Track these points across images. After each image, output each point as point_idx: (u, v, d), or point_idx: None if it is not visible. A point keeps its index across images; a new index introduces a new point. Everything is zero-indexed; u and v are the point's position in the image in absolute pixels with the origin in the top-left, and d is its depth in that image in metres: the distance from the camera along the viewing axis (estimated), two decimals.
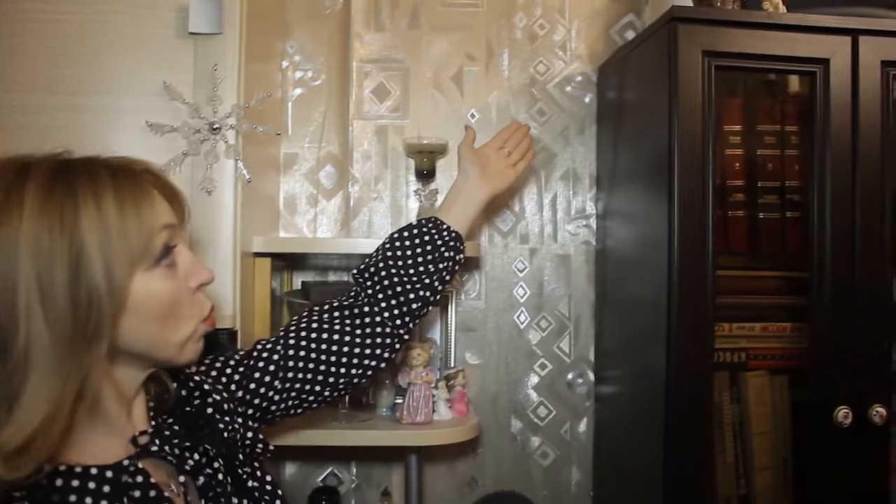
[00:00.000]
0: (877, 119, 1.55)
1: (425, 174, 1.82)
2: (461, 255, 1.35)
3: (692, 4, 1.64)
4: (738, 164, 1.65)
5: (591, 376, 2.00)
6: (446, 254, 1.31)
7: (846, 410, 1.52)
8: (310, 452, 1.93)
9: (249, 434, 1.03)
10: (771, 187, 1.65)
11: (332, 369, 1.21)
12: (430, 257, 1.29)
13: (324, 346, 1.20)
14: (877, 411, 1.52)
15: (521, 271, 2.00)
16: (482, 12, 1.99)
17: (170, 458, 0.90)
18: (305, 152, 1.96)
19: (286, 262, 1.88)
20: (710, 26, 1.52)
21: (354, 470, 1.97)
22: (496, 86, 2.00)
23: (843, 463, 1.55)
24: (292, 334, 1.20)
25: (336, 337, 1.22)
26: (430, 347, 1.71)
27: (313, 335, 1.21)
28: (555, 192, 2.01)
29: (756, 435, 1.63)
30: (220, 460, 0.95)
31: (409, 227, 1.33)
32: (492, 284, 1.99)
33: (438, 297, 1.33)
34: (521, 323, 2.00)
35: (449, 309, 1.94)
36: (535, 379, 2.00)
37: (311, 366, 1.19)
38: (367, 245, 1.59)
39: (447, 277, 1.32)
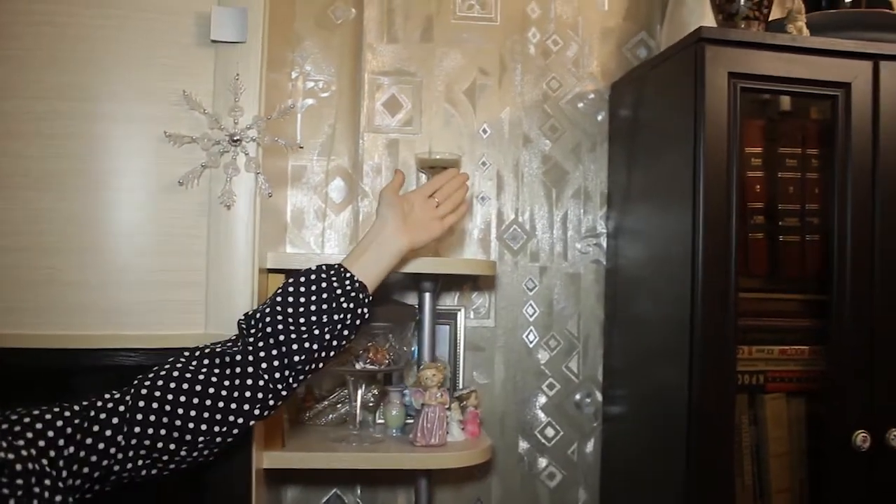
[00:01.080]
0: None
1: None
2: (364, 310, 1.22)
3: (716, 25, 1.63)
4: (758, 187, 1.65)
5: (599, 396, 1.98)
6: (345, 305, 1.18)
7: (864, 434, 1.52)
8: (312, 475, 1.88)
9: (58, 498, 0.90)
10: (791, 210, 1.65)
11: (191, 425, 1.05)
12: (324, 307, 1.17)
13: (182, 398, 1.05)
14: (895, 435, 1.52)
15: (530, 290, 1.98)
16: (496, 27, 1.97)
17: None
18: (314, 165, 1.92)
19: None
20: (737, 48, 1.52)
21: (359, 493, 1.92)
22: (509, 101, 1.98)
23: (860, 487, 1.54)
24: (147, 382, 1.06)
25: (199, 388, 1.06)
26: (445, 368, 1.67)
27: (172, 384, 1.05)
28: (566, 209, 1.99)
29: (773, 457, 1.63)
30: None
31: (308, 271, 1.21)
32: (501, 303, 1.97)
33: (332, 354, 1.19)
34: (531, 342, 1.97)
35: (458, 328, 1.91)
36: (542, 399, 1.98)
37: (164, 419, 1.03)
38: None
39: (345, 332, 1.19)
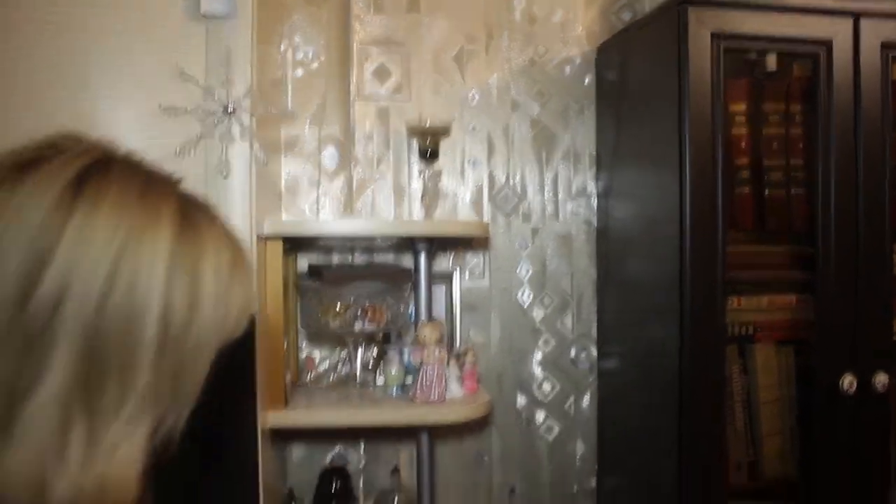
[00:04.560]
0: (877, 98, 1.60)
1: (428, 155, 1.82)
2: None
3: None
4: (744, 143, 1.68)
5: (594, 352, 2.03)
6: None
7: (851, 378, 1.57)
8: (316, 434, 1.94)
9: None
10: (776, 165, 1.69)
11: None
12: None
13: None
14: (879, 379, 1.58)
15: (524, 250, 2.02)
16: None
17: None
18: (307, 134, 1.95)
19: (289, 244, 1.87)
20: (719, 9, 1.54)
21: (363, 450, 1.98)
22: (496, 67, 2.00)
23: (846, 430, 1.60)
24: None
25: None
26: (442, 326, 1.72)
27: None
28: (555, 171, 2.02)
29: (764, 404, 1.68)
30: None
31: None
32: (495, 263, 2.01)
33: None
34: (525, 301, 2.02)
35: (453, 288, 1.96)
36: (539, 355, 2.03)
37: None
38: (380, 225, 1.59)
39: None
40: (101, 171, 0.66)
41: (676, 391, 1.57)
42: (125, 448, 0.64)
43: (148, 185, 0.68)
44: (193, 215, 0.69)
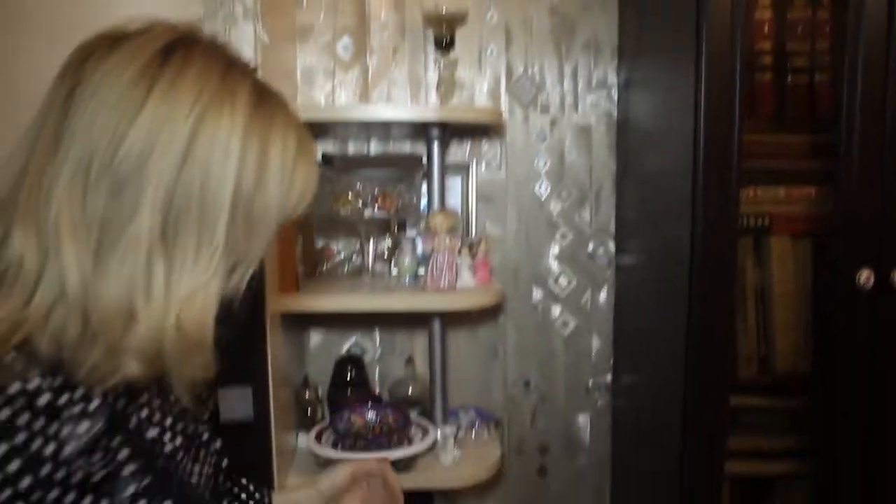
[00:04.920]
0: None
1: (445, 45, 1.78)
2: None
3: None
4: (766, 27, 1.61)
5: (612, 246, 2.01)
6: None
7: (869, 272, 1.53)
8: (334, 321, 1.97)
9: None
10: (800, 50, 1.61)
11: None
12: None
13: None
14: None
15: (542, 142, 1.98)
16: None
17: None
18: (321, 24, 1.92)
19: None
20: None
21: (378, 339, 2.01)
22: None
23: (863, 326, 1.57)
24: None
25: None
26: (454, 215, 1.71)
27: None
28: (575, 62, 1.97)
29: (777, 298, 1.65)
30: None
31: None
32: (512, 155, 1.98)
33: None
34: (542, 193, 2.00)
35: (469, 179, 1.94)
36: (556, 249, 2.02)
37: None
38: (391, 111, 1.58)
39: None
40: (187, 45, 0.73)
41: (687, 283, 1.55)
42: (201, 295, 0.72)
43: (229, 66, 0.74)
44: (266, 100, 0.76)
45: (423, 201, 1.82)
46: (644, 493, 1.85)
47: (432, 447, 1.73)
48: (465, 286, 1.71)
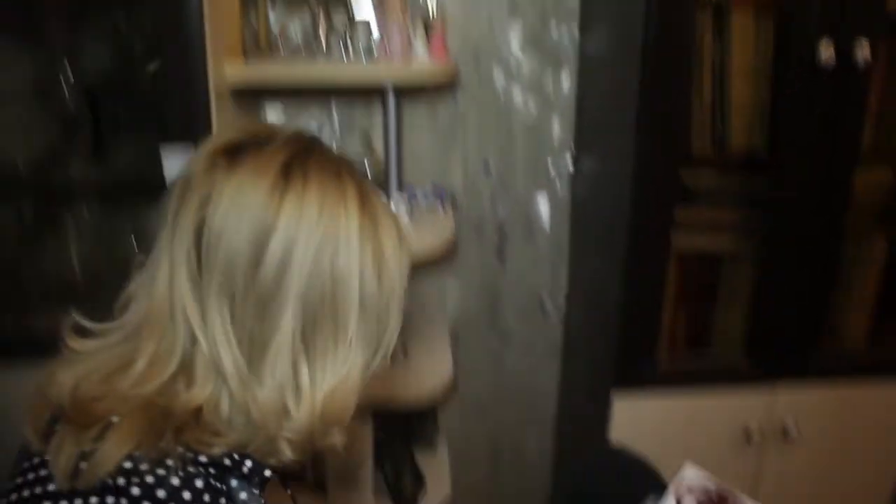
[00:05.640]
0: None
1: None
2: None
3: None
4: None
5: (576, 30, 1.96)
6: None
7: (828, 44, 1.50)
8: (288, 97, 1.95)
9: None
10: None
11: None
12: None
13: None
14: (861, 52, 1.50)
15: None
16: None
17: None
18: None
19: None
20: None
21: (335, 113, 1.99)
22: None
23: (823, 104, 1.55)
24: None
25: None
26: None
27: None
28: None
29: (736, 75, 1.62)
30: None
31: None
32: None
33: None
34: None
35: None
36: (518, 31, 1.96)
37: None
38: None
39: None
40: (303, 158, 0.77)
41: (639, 59, 1.52)
42: (342, 388, 0.79)
43: (339, 170, 0.79)
44: (368, 196, 0.80)
45: None
46: (598, 273, 1.90)
47: None
48: (419, 59, 1.67)
